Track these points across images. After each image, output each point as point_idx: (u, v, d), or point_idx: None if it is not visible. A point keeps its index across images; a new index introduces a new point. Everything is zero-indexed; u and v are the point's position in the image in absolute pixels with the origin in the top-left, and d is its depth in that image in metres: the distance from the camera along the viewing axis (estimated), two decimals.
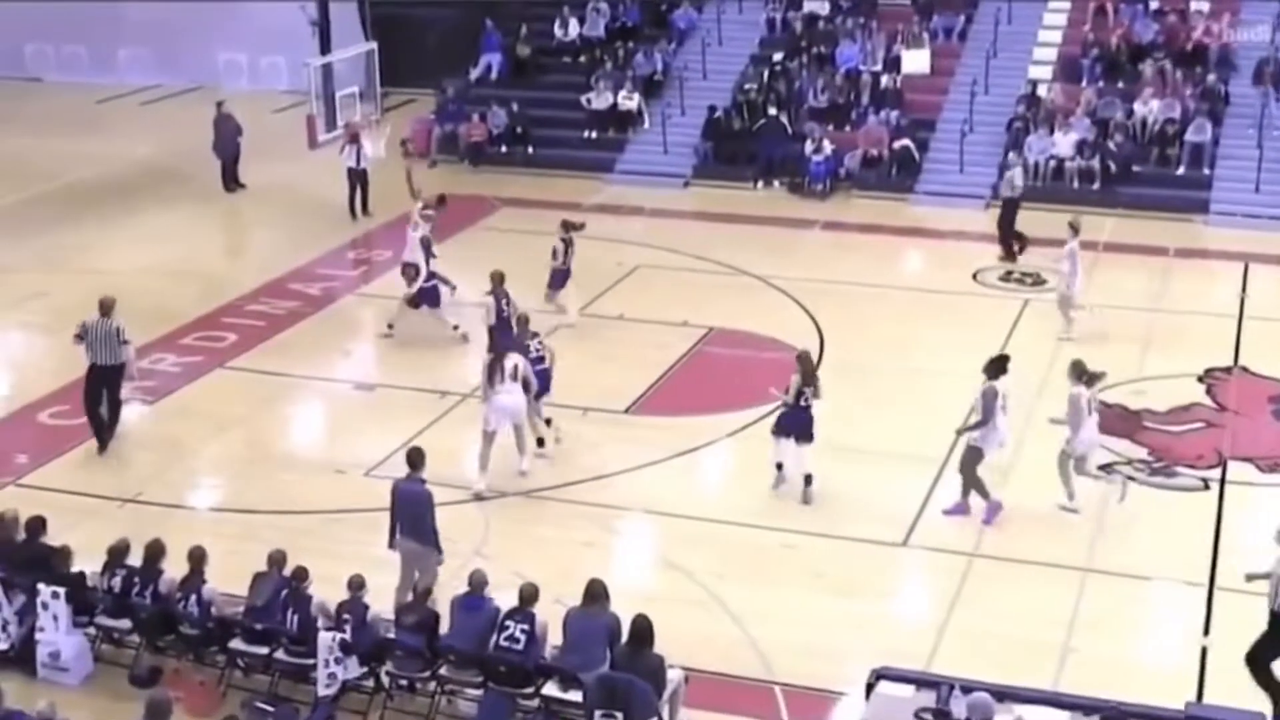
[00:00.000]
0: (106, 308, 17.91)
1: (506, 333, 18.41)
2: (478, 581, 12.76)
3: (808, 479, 16.61)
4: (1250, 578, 13.23)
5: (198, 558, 13.30)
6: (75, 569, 13.64)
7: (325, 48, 31.54)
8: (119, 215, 28.10)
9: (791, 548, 15.67)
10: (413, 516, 14.00)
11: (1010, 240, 25.11)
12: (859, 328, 21.49)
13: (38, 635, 13.39)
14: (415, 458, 14.24)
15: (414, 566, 14.02)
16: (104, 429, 18.11)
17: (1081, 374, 16.31)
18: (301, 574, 13.09)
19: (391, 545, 14.15)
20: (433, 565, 14.01)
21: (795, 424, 16.56)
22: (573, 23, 34.18)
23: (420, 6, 36.89)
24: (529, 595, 12.53)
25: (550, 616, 12.49)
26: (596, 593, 12.41)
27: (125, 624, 13.47)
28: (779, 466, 16.76)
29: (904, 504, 16.50)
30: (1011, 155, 26.92)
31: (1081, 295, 21.50)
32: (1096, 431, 16.48)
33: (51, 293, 23.77)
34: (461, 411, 19.09)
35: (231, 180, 29.78)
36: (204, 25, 38.25)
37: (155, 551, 13.46)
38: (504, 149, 31.69)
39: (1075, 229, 21.58)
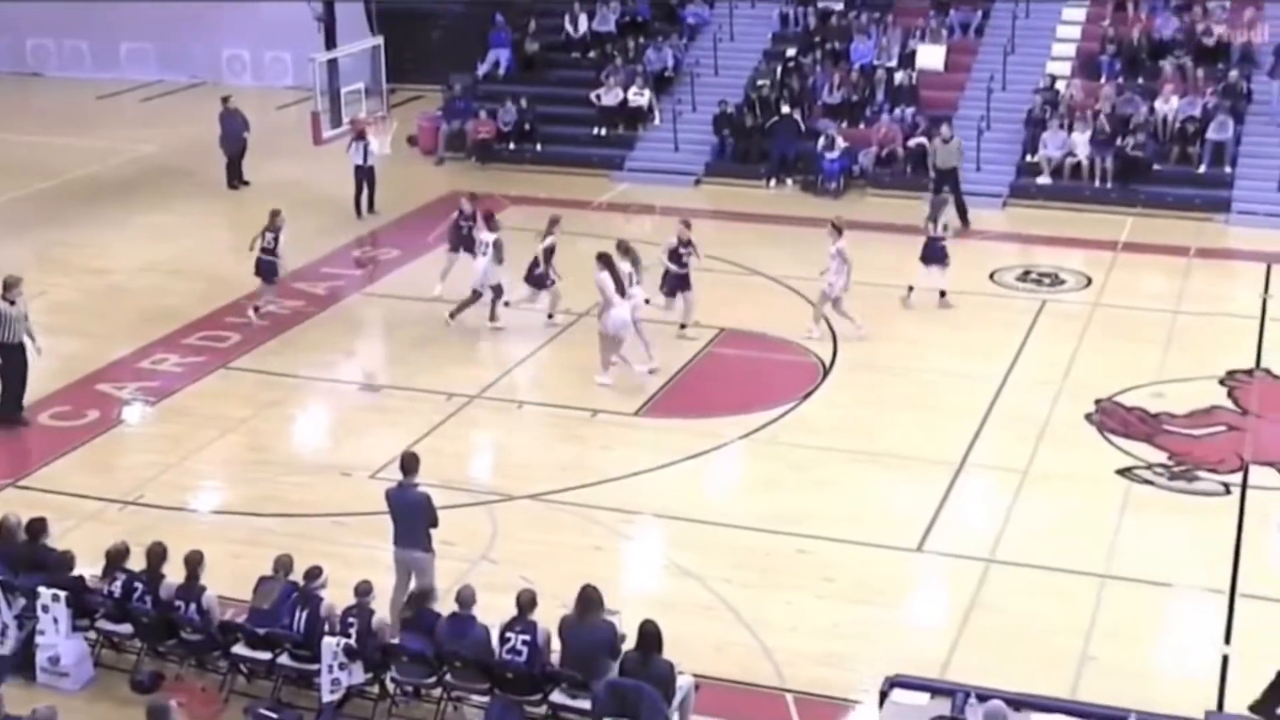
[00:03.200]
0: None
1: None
2: (465, 598, 12.66)
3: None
4: None
5: (194, 563, 13.29)
6: (77, 572, 13.67)
7: (330, 43, 31.52)
8: (120, 213, 28.16)
9: (804, 553, 15.65)
10: (409, 524, 13.92)
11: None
12: (874, 328, 21.45)
13: (37, 639, 13.39)
14: (409, 463, 14.11)
15: (409, 573, 13.95)
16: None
17: (624, 250, 20.08)
18: (314, 573, 13.07)
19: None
20: (430, 569, 13.93)
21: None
22: (582, 18, 34.18)
23: (427, 1, 36.92)
24: (527, 603, 12.45)
25: (555, 621, 12.49)
26: (591, 600, 12.33)
27: (126, 629, 13.49)
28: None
29: (919, 508, 16.48)
30: (945, 128, 27.65)
31: (844, 295, 21.14)
32: (628, 311, 19.55)
33: (51, 291, 23.81)
34: (468, 413, 19.11)
35: (235, 177, 29.86)
36: (207, 20, 38.37)
37: (157, 555, 13.47)
38: (512, 146, 31.72)
39: (839, 229, 21.19)
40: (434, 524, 13.89)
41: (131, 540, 13.93)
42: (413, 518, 13.87)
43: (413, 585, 13.79)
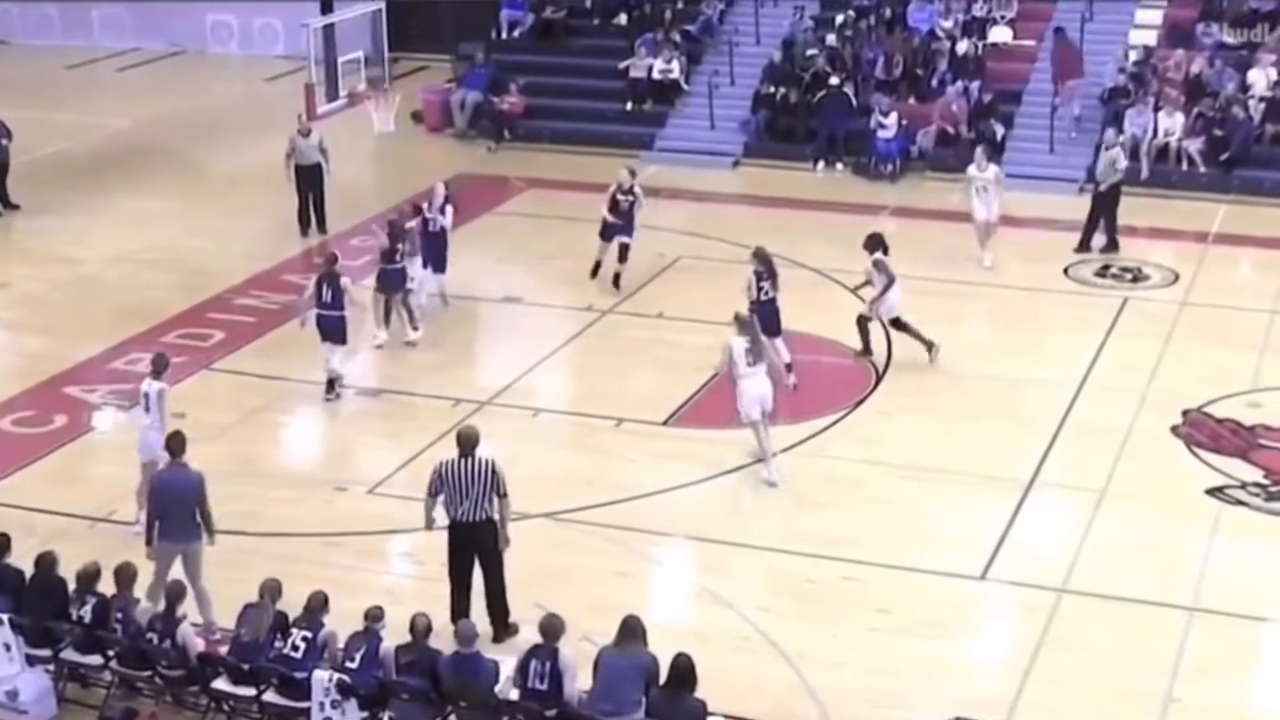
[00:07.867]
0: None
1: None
2: (467, 635, 12.68)
3: None
4: None
5: (173, 595, 13.33)
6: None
7: (326, 7, 31.64)
8: (92, 196, 28.28)
9: (853, 580, 15.64)
10: (182, 509, 14.41)
11: (1095, 232, 24.91)
12: (934, 329, 21.39)
13: None
14: (177, 444, 14.69)
15: (172, 563, 14.39)
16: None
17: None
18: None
19: (151, 546, 14.48)
20: (202, 561, 14.41)
21: None
22: None
23: None
24: (550, 630, 12.45)
25: (578, 656, 12.47)
26: (633, 630, 12.38)
27: (95, 659, 13.51)
28: None
29: (983, 531, 16.45)
30: (1110, 134, 26.40)
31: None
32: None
33: (14, 283, 23.96)
34: (477, 421, 19.07)
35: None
36: None
37: (127, 578, 13.54)
38: (530, 122, 31.69)
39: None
40: (205, 509, 14.45)
41: (102, 560, 13.99)
42: (187, 502, 14.40)
43: (172, 577, 14.09)
